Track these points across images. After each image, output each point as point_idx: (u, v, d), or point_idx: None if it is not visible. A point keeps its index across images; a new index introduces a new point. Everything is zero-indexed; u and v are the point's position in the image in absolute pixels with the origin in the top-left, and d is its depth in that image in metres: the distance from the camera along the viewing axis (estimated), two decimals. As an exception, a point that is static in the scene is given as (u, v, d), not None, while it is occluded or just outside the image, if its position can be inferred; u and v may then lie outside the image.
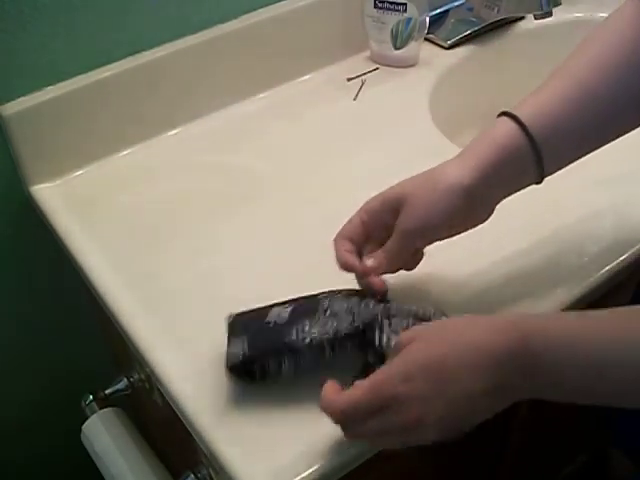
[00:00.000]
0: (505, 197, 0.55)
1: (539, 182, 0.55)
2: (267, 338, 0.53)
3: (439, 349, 0.47)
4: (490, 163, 0.53)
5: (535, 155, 0.53)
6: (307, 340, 0.52)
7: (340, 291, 0.56)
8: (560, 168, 0.56)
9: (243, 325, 0.55)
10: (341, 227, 0.57)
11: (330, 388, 0.49)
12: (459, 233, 0.56)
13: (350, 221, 0.57)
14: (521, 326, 0.46)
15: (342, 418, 0.48)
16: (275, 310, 0.55)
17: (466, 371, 0.45)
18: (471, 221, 0.55)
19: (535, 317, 0.49)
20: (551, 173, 0.55)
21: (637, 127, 0.57)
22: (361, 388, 0.47)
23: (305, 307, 0.55)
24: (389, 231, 0.55)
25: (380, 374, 0.47)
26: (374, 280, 0.55)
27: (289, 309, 0.55)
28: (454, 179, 0.52)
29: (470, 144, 0.55)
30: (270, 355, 0.53)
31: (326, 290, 0.56)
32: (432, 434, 0.46)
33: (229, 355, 0.54)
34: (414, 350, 0.47)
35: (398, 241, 0.54)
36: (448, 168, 0.54)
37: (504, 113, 0.55)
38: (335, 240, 0.56)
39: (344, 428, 0.49)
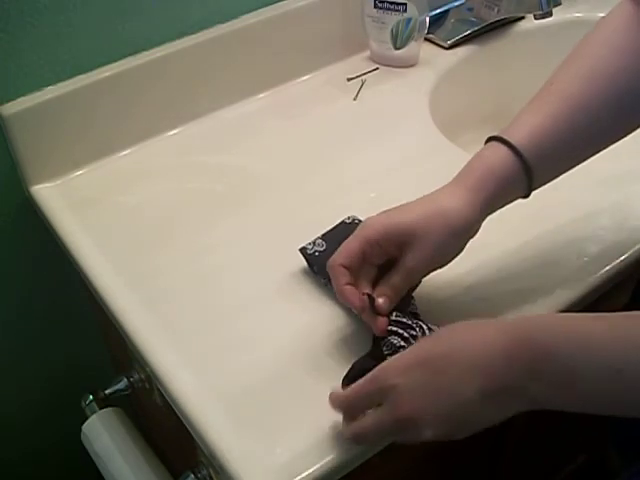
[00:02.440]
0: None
1: (526, 197, 0.56)
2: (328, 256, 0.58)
3: (442, 346, 0.47)
4: (491, 195, 0.54)
5: (528, 179, 0.54)
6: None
7: None
8: (548, 182, 0.57)
9: (337, 233, 0.63)
10: (337, 252, 0.55)
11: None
12: None
13: (348, 247, 0.54)
14: (524, 325, 0.46)
15: (345, 406, 0.49)
16: None
17: (466, 369, 0.45)
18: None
19: (537, 317, 0.49)
20: (538, 188, 0.56)
21: (631, 133, 0.57)
22: (364, 379, 0.48)
23: None
24: (386, 257, 0.55)
25: (382, 365, 0.48)
26: (380, 321, 0.54)
27: None
28: (465, 220, 0.53)
29: (469, 174, 0.54)
30: (317, 266, 0.62)
31: None
32: (426, 431, 0.45)
33: (308, 243, 0.64)
34: (418, 346, 0.48)
35: (405, 278, 0.54)
36: (456, 205, 0.53)
37: (495, 138, 0.55)
38: (332, 267, 0.54)
39: (345, 419, 0.49)
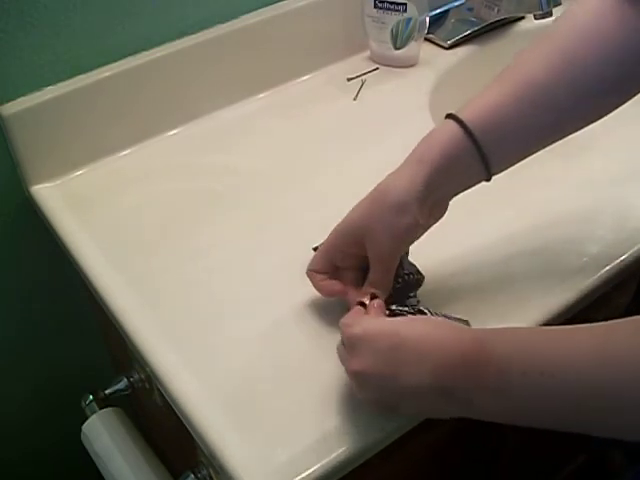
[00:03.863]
0: (457, 194, 0.56)
1: (488, 180, 0.55)
2: None
3: (413, 331, 0.48)
4: (435, 169, 0.53)
5: (480, 156, 0.53)
6: None
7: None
8: (510, 166, 0.56)
9: None
10: (309, 261, 0.58)
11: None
12: (424, 233, 0.57)
13: (315, 255, 0.58)
14: (486, 334, 0.46)
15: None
16: None
17: (423, 360, 0.46)
18: (430, 222, 0.56)
19: (504, 328, 0.49)
20: (500, 171, 0.55)
21: (595, 120, 0.56)
22: (347, 317, 0.52)
23: None
24: (357, 257, 0.56)
25: (364, 318, 0.51)
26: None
27: None
28: (403, 195, 0.53)
29: (416, 148, 0.55)
30: None
31: None
32: (361, 392, 0.49)
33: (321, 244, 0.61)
34: (397, 321, 0.50)
35: (378, 270, 0.55)
36: (395, 182, 0.54)
37: (449, 115, 0.55)
38: (307, 274, 0.58)
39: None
